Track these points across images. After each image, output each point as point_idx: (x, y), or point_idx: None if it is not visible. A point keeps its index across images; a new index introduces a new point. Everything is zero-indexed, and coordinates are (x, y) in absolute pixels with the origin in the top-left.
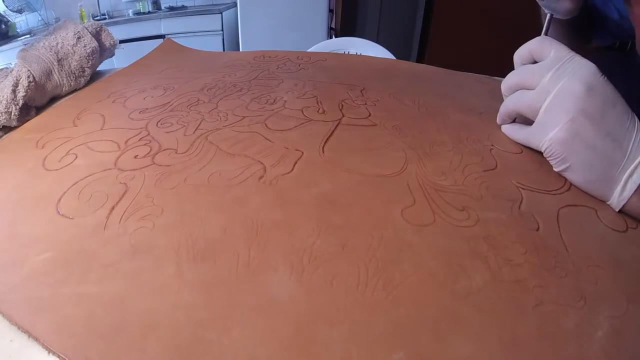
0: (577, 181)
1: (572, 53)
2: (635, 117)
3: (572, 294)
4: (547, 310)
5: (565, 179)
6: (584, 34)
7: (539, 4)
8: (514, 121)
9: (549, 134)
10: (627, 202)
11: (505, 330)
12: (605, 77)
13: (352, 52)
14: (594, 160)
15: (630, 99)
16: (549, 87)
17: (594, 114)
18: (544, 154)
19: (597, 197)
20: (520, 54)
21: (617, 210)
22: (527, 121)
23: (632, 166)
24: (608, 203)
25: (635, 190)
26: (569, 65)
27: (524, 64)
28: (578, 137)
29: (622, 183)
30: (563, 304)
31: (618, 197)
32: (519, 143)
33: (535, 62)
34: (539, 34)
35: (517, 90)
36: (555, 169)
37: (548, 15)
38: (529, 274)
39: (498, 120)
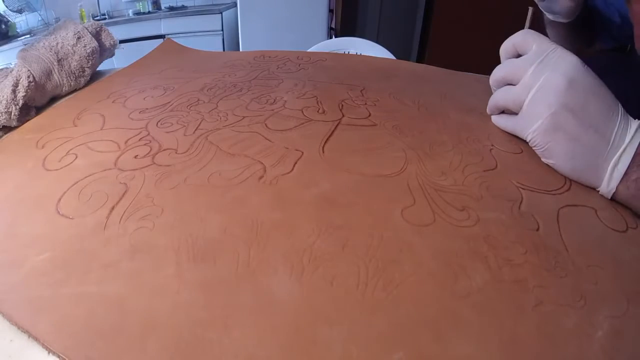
0: (563, 170)
1: (554, 45)
2: (619, 105)
3: (572, 294)
4: (547, 310)
5: (565, 179)
6: (586, 37)
7: (539, 5)
8: (502, 112)
9: (532, 126)
10: (615, 191)
11: (505, 330)
12: (588, 68)
13: (352, 52)
14: (578, 151)
15: (630, 98)
16: (531, 82)
17: (576, 107)
18: (529, 144)
19: (587, 185)
20: (504, 48)
21: (608, 198)
22: (516, 113)
23: (617, 155)
24: (599, 192)
25: (621, 180)
26: (552, 58)
27: (509, 58)
28: (561, 129)
29: (608, 172)
30: (563, 304)
31: (607, 187)
32: (518, 141)
33: (519, 55)
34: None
35: (503, 84)
36: (543, 160)
37: (530, 10)
38: (529, 274)
39: (487, 111)
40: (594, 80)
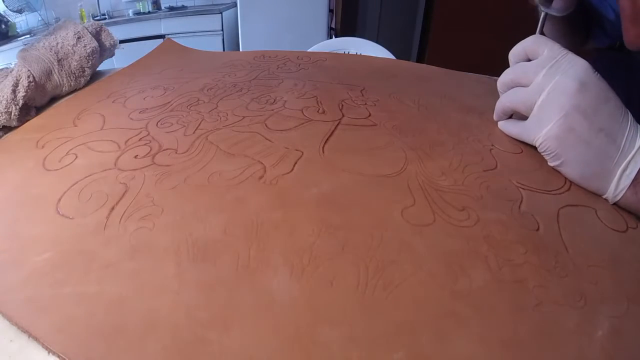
0: (571, 175)
1: (565, 51)
2: (629, 112)
3: (572, 294)
4: (547, 310)
5: (566, 179)
6: (582, 34)
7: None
8: (510, 117)
9: (543, 130)
10: (622, 196)
11: (505, 330)
12: (598, 74)
13: (352, 52)
14: (588, 155)
15: (631, 98)
16: (542, 84)
17: (587, 109)
18: (538, 149)
19: (593, 190)
20: (515, 53)
21: (611, 203)
22: (523, 118)
23: (626, 161)
24: (604, 197)
25: (630, 185)
26: (562, 63)
27: (519, 62)
28: (572, 132)
29: (616, 177)
30: (563, 304)
31: (613, 192)
32: (518, 141)
33: (529, 60)
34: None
35: (512, 88)
36: (550, 164)
37: (542, 14)
38: (529, 274)
39: (494, 117)
40: (605, 85)
